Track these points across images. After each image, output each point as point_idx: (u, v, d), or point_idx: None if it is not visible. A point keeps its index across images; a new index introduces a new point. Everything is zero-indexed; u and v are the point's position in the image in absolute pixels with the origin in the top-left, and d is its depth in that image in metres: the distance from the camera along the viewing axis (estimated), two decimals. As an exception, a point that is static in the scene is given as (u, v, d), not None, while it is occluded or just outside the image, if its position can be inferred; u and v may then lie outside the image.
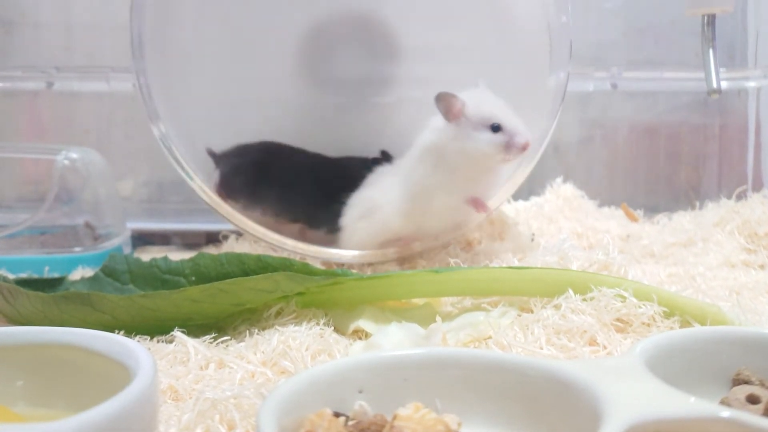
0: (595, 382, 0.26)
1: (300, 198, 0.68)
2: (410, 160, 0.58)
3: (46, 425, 0.23)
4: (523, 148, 0.52)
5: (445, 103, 0.52)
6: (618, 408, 0.23)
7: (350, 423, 0.28)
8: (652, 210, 0.81)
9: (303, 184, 0.68)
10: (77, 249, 0.68)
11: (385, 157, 0.67)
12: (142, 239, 0.85)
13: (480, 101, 0.53)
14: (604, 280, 0.43)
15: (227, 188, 0.67)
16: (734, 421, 0.23)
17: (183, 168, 0.64)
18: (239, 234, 0.72)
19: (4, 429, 0.23)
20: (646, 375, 0.26)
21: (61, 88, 0.84)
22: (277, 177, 0.68)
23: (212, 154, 0.68)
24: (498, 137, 0.52)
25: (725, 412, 0.23)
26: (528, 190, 0.84)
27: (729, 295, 0.49)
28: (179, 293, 0.43)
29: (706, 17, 0.67)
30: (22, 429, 0.23)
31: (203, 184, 0.63)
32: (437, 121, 0.55)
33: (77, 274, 0.60)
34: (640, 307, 0.41)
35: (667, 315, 0.41)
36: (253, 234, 0.63)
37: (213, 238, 0.79)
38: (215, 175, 0.68)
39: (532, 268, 0.46)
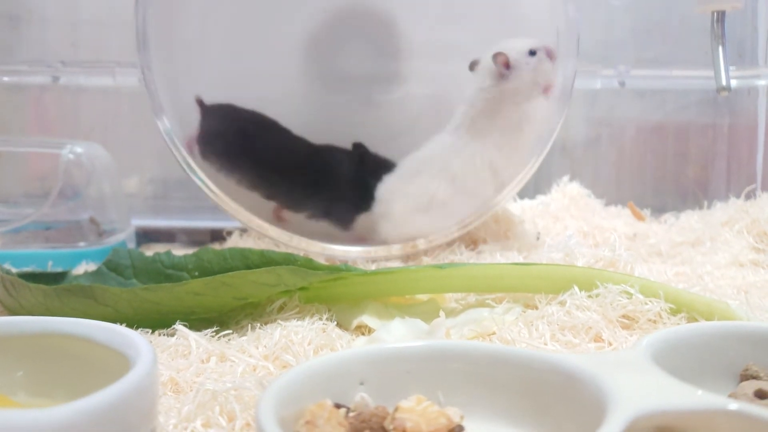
0: (600, 375, 0.25)
1: (278, 176, 0.67)
2: (462, 134, 0.63)
3: (43, 411, 0.23)
4: (553, 47, 0.62)
5: (500, 59, 0.61)
6: (623, 399, 0.23)
7: (351, 415, 0.27)
8: (659, 210, 0.80)
9: (283, 162, 0.67)
10: (81, 244, 0.68)
11: (358, 149, 0.67)
12: (146, 236, 0.85)
13: (510, 47, 0.61)
14: (610, 276, 0.43)
15: (205, 146, 0.66)
16: (742, 414, 0.22)
17: (187, 164, 0.63)
18: (243, 230, 0.72)
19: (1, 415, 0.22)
20: (652, 368, 0.26)
21: (67, 82, 0.84)
22: (259, 149, 0.67)
23: (201, 103, 0.66)
24: (540, 54, 0.61)
25: (733, 405, 0.23)
26: (534, 188, 0.84)
27: (737, 293, 0.49)
28: (182, 286, 0.43)
29: (715, 14, 0.67)
30: (18, 415, 0.22)
31: (207, 180, 0.63)
32: (483, 81, 0.62)
33: (81, 269, 0.60)
34: (646, 303, 0.41)
35: (674, 312, 0.41)
36: (257, 230, 0.63)
37: (218, 235, 0.79)
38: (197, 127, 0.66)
39: (536, 264, 0.45)
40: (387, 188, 0.64)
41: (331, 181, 0.66)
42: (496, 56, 0.61)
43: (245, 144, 0.67)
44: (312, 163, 0.67)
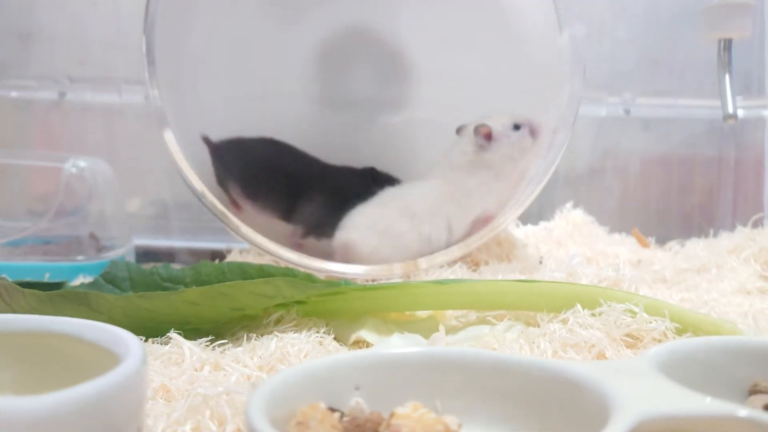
0: (603, 380, 0.24)
1: (302, 199, 0.67)
2: (434, 182, 0.65)
3: (27, 399, 0.22)
4: (539, 125, 0.63)
5: (482, 131, 0.62)
6: (627, 403, 0.22)
7: (345, 419, 0.26)
8: (664, 240, 0.79)
9: (302, 186, 0.67)
10: (79, 258, 0.68)
11: (370, 173, 0.68)
12: (146, 256, 0.84)
13: (497, 119, 0.63)
14: (614, 294, 0.42)
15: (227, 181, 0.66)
16: (753, 422, 0.21)
17: (190, 181, 0.63)
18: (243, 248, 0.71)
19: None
20: (658, 375, 0.25)
21: (73, 98, 0.84)
22: (277, 174, 0.68)
23: (208, 141, 0.67)
24: (524, 131, 0.62)
25: (743, 412, 0.22)
26: (537, 215, 0.83)
27: (744, 319, 0.47)
28: (178, 295, 0.42)
29: (722, 42, 0.67)
30: (1, 402, 0.21)
31: (212, 196, 0.62)
32: (465, 146, 0.64)
33: (78, 282, 0.59)
34: (651, 322, 0.40)
35: (680, 331, 0.40)
36: (259, 247, 0.62)
37: (218, 256, 0.78)
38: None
39: (539, 281, 0.44)
40: (355, 210, 0.65)
41: (347, 201, 0.66)
42: (478, 128, 0.62)
43: (265, 170, 0.68)
44: (328, 184, 0.68)
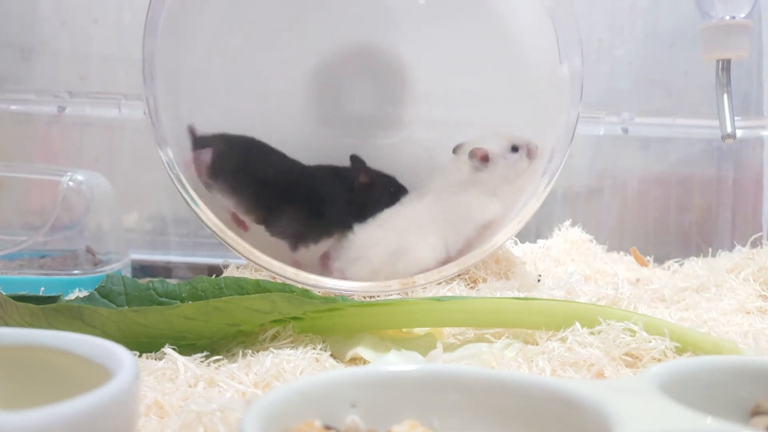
0: (603, 399, 0.24)
1: (275, 202, 0.67)
2: (430, 199, 0.64)
3: (13, 415, 0.21)
4: (536, 147, 0.63)
5: (478, 154, 0.62)
6: (627, 423, 0.22)
7: (340, 437, 0.26)
8: (662, 260, 0.79)
9: (279, 187, 0.67)
10: (76, 271, 0.67)
11: (356, 163, 0.67)
12: (143, 270, 0.84)
13: (491, 140, 0.63)
14: (613, 313, 0.42)
15: (215, 171, 0.66)
16: (755, 443, 0.21)
17: (188, 195, 0.63)
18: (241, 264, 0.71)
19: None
20: (658, 394, 0.25)
21: (72, 112, 0.84)
22: (259, 174, 0.67)
23: (193, 132, 0.66)
24: (521, 153, 0.62)
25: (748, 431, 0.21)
26: (536, 233, 0.83)
27: (744, 339, 0.47)
28: (173, 309, 0.42)
29: (720, 62, 0.67)
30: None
31: (208, 211, 0.62)
32: (461, 165, 0.63)
33: (73, 296, 0.59)
34: (650, 341, 0.39)
35: (680, 351, 0.40)
36: (255, 262, 0.62)
37: (215, 271, 0.78)
38: (204, 154, 0.66)
39: (537, 299, 0.44)
40: (364, 235, 0.64)
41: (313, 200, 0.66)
42: (474, 151, 0.62)
43: (248, 169, 0.67)
44: (301, 184, 0.67)
